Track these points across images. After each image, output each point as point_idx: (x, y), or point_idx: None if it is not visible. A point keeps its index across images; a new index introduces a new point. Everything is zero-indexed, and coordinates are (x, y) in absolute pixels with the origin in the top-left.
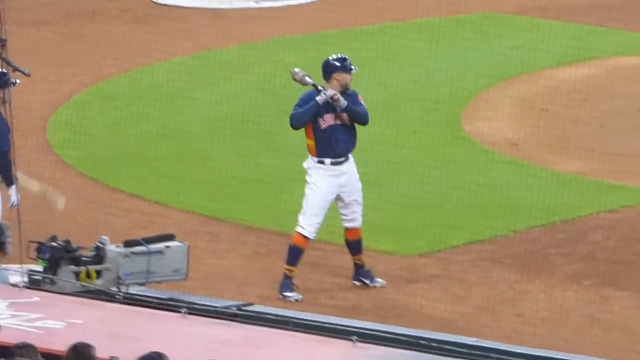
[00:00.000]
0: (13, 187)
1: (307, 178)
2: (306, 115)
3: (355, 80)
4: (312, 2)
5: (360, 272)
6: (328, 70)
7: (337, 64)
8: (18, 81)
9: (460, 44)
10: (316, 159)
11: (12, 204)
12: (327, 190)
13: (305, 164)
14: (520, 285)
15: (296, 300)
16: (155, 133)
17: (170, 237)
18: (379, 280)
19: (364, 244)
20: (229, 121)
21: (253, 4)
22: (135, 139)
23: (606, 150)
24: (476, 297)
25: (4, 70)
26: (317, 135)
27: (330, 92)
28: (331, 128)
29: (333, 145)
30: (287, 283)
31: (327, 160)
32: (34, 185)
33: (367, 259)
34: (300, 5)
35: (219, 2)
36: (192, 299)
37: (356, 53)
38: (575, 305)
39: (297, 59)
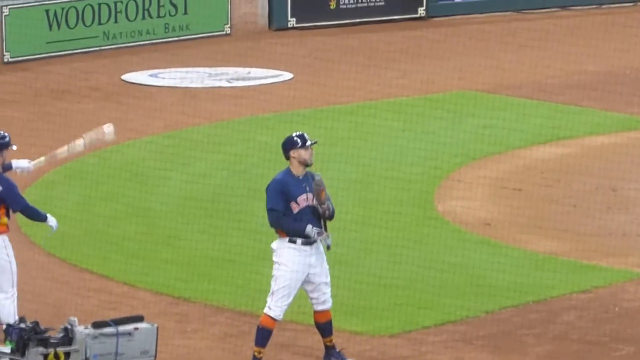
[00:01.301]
0: (49, 218)
1: (276, 259)
2: (288, 231)
3: (328, 160)
4: (285, 82)
5: (332, 353)
6: (283, 149)
7: (291, 141)
8: (15, 147)
9: (434, 123)
10: (287, 239)
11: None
12: (298, 270)
13: (274, 245)
14: None
15: None
16: (125, 212)
17: (139, 319)
18: None
19: (335, 324)
20: (200, 200)
21: (225, 83)
22: (104, 219)
23: (579, 230)
24: None
25: (4, 133)
26: (290, 217)
27: (317, 232)
28: (303, 210)
29: (305, 224)
30: None
31: (299, 240)
32: (62, 152)
33: (338, 340)
34: (272, 84)
35: (190, 81)
36: None
37: (329, 132)
38: None
39: (269, 137)
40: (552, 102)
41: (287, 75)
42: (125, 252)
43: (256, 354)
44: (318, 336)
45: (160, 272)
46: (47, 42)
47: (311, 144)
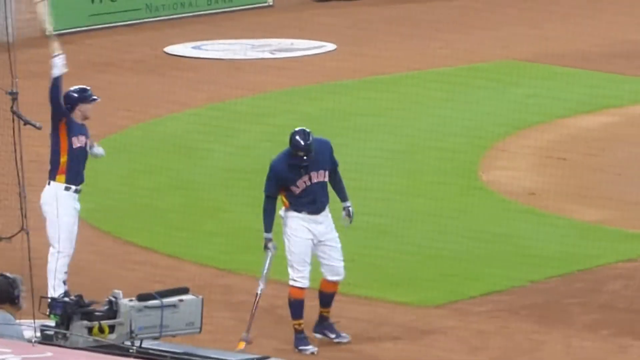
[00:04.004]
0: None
1: (285, 229)
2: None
3: (371, 130)
4: (328, 52)
5: (325, 325)
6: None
7: (292, 140)
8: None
9: (477, 93)
10: (291, 209)
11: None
12: (307, 236)
13: (281, 212)
14: (537, 335)
15: (312, 353)
16: (169, 185)
17: (184, 291)
18: (344, 335)
19: (380, 294)
20: (243, 172)
21: (268, 55)
22: (148, 191)
23: (625, 199)
24: (493, 348)
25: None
26: (291, 199)
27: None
28: (305, 190)
29: (309, 203)
30: (299, 337)
31: (304, 211)
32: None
33: (383, 310)
34: (315, 55)
35: (233, 53)
36: (207, 352)
37: (372, 103)
38: (593, 356)
39: (312, 109)
40: (596, 70)
41: (330, 46)
42: (170, 224)
43: (297, 326)
44: (365, 307)
45: (205, 244)
46: (90, 15)
47: (303, 158)
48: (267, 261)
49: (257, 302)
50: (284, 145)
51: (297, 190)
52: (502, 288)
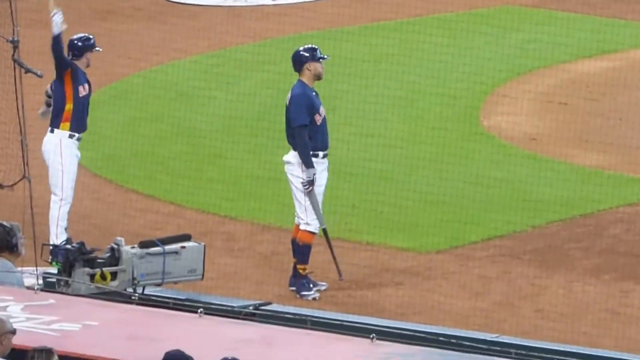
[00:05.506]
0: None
1: (298, 173)
2: (304, 156)
3: (373, 77)
4: None
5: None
6: (298, 61)
7: (307, 54)
8: (100, 49)
9: (478, 39)
10: (311, 153)
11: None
12: (321, 183)
13: (290, 158)
14: (539, 280)
15: (314, 299)
16: (170, 132)
17: (186, 237)
18: (322, 283)
19: (381, 240)
20: (245, 119)
21: (268, 1)
22: (150, 139)
23: (625, 144)
24: (495, 293)
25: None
26: (313, 133)
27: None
28: (323, 120)
29: (325, 137)
30: (302, 282)
31: (321, 153)
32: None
33: (384, 257)
34: (316, 2)
35: None
36: (208, 299)
37: (373, 49)
38: (594, 300)
39: None
40: (597, 15)
41: None
42: (172, 172)
43: (302, 271)
44: (366, 253)
45: (207, 191)
46: None
47: (324, 58)
48: (315, 198)
49: (329, 240)
50: (285, 93)
51: (319, 119)
52: (504, 233)
